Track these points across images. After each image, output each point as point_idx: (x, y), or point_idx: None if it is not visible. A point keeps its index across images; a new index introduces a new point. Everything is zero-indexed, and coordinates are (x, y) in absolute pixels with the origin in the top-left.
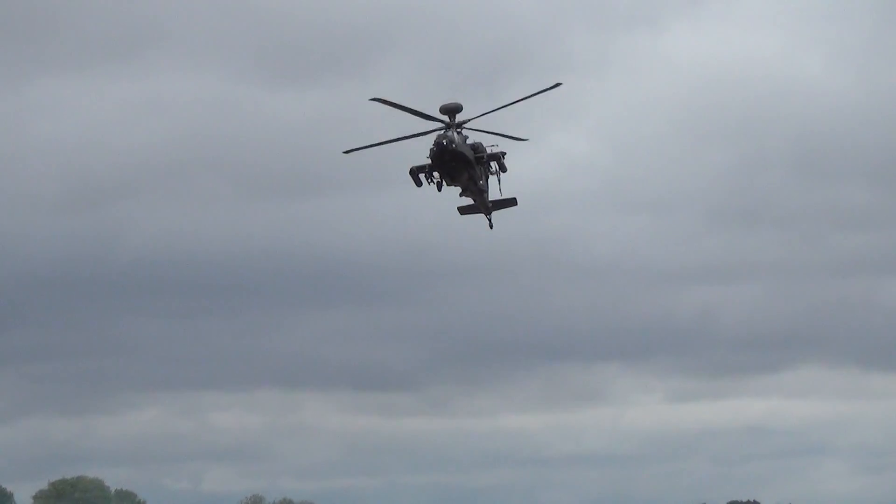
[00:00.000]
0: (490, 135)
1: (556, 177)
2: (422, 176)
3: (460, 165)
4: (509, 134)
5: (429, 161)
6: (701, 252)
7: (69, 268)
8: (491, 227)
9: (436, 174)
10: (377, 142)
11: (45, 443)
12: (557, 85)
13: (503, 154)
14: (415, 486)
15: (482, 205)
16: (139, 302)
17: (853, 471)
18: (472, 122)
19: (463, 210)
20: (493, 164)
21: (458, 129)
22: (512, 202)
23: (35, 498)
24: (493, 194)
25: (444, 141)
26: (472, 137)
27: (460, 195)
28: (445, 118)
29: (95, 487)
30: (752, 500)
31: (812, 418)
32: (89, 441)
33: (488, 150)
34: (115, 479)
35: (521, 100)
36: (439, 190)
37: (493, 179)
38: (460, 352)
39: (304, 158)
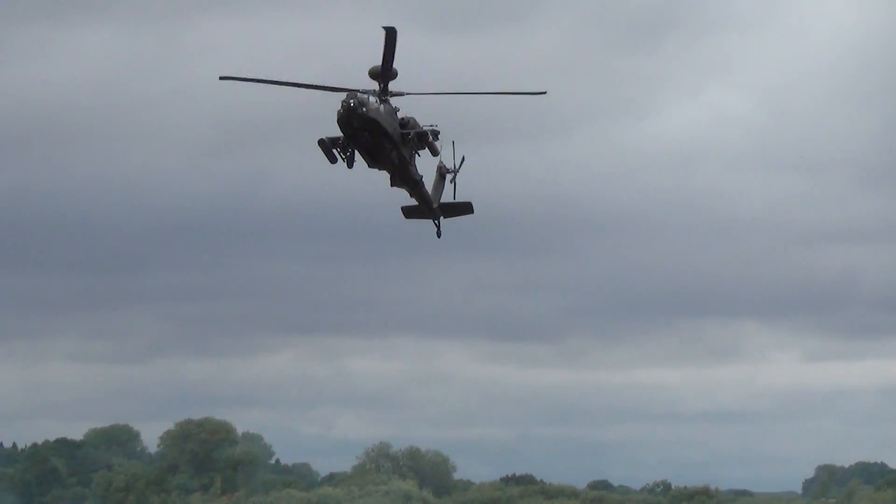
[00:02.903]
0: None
1: (709, 132)
2: (335, 150)
3: (377, 139)
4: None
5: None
6: (847, 212)
7: (214, 210)
8: (439, 235)
9: (351, 147)
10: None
11: (178, 383)
12: (542, 93)
13: (436, 133)
14: (547, 438)
15: (422, 202)
16: (280, 245)
17: None
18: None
19: (408, 212)
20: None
21: (385, 98)
22: (466, 208)
23: (162, 438)
24: (445, 195)
25: (353, 102)
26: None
27: (391, 185)
28: (374, 85)
29: (222, 429)
30: (879, 462)
31: None
32: (222, 383)
33: (423, 128)
34: (244, 421)
35: (495, 94)
36: (349, 166)
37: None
38: (600, 304)
39: (456, 105)
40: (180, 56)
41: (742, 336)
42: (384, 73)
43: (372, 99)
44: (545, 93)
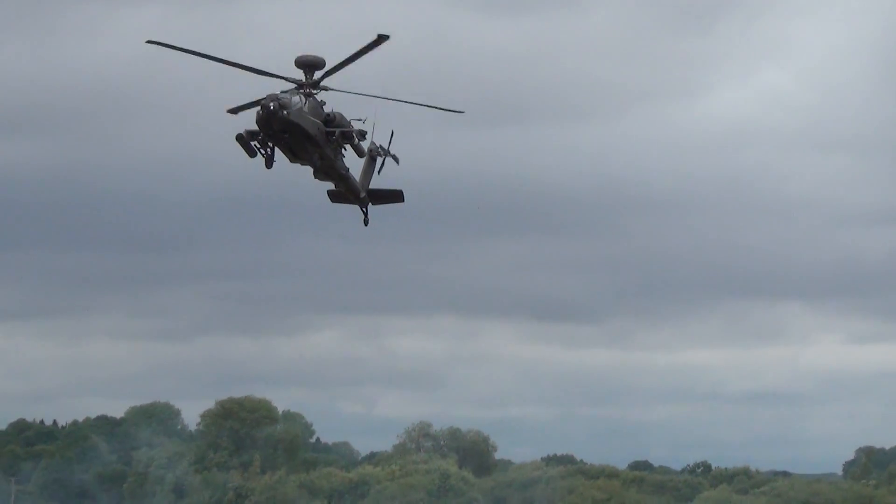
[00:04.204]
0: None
1: (759, 113)
2: (255, 143)
3: (298, 139)
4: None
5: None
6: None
7: (260, 188)
8: (366, 223)
9: (271, 144)
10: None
11: (221, 362)
12: (383, 38)
13: (363, 133)
14: (588, 419)
15: (349, 192)
16: (325, 224)
17: None
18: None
19: (334, 196)
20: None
21: (313, 92)
22: (397, 196)
23: (202, 416)
24: (376, 180)
25: (273, 105)
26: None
27: (315, 177)
28: (300, 76)
29: (262, 408)
30: None
31: None
32: (265, 361)
33: (352, 126)
34: (286, 400)
35: (351, 59)
36: (268, 166)
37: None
38: (644, 285)
39: (508, 87)
40: (229, 35)
41: (786, 317)
42: (315, 63)
43: (295, 98)
44: (387, 36)
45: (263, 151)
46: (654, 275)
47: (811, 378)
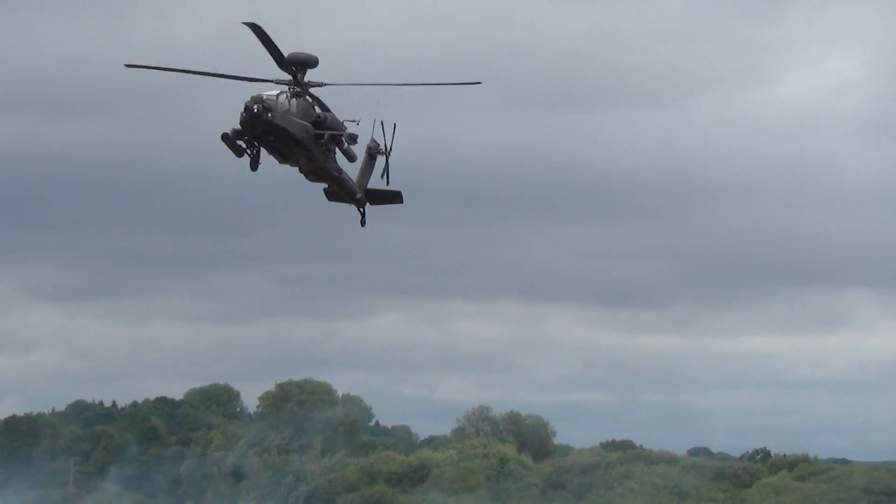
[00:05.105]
0: None
1: (827, 99)
2: (241, 142)
3: (284, 142)
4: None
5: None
6: None
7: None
8: (363, 224)
9: (257, 144)
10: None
11: (283, 344)
12: (252, 26)
13: (354, 137)
14: (650, 404)
15: (346, 193)
16: (388, 207)
17: None
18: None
19: (331, 195)
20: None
21: (303, 92)
22: (396, 197)
23: (261, 398)
24: (373, 180)
25: (257, 107)
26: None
27: (307, 178)
28: (290, 75)
29: (322, 390)
30: None
31: None
32: (327, 344)
33: (344, 129)
34: (346, 383)
35: (274, 57)
36: (253, 168)
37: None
38: (708, 271)
39: (575, 72)
40: (295, 20)
41: (850, 305)
42: (307, 62)
43: (282, 98)
44: (480, 83)
45: (249, 151)
46: (717, 261)
47: (874, 365)
